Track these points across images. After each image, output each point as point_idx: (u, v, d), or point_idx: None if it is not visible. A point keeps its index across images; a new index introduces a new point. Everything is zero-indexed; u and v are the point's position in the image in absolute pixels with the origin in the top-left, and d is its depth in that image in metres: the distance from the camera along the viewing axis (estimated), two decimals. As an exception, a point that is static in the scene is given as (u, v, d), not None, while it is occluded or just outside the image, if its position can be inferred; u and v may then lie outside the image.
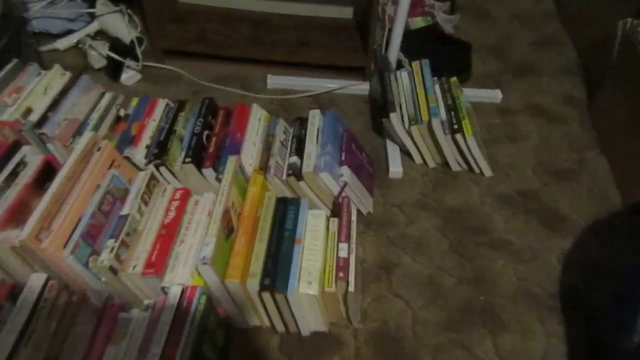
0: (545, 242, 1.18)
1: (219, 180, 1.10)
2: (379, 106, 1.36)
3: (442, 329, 1.01)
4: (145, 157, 1.12)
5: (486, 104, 1.52)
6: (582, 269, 1.13)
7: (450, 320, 1.02)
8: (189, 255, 0.93)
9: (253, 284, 0.89)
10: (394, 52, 1.41)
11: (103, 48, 1.45)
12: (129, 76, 1.47)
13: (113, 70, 1.45)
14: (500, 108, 1.52)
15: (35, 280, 0.83)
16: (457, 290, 1.08)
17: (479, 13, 1.91)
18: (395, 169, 1.29)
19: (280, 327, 0.97)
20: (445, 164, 1.32)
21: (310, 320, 0.96)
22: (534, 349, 0.99)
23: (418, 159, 1.33)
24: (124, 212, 0.96)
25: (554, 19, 1.93)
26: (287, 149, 1.18)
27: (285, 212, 1.01)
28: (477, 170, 1.31)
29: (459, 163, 1.31)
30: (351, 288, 0.91)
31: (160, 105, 1.25)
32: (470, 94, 1.46)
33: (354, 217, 1.03)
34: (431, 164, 1.32)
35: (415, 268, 1.11)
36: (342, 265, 0.94)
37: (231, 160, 1.02)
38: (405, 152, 1.34)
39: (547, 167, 1.35)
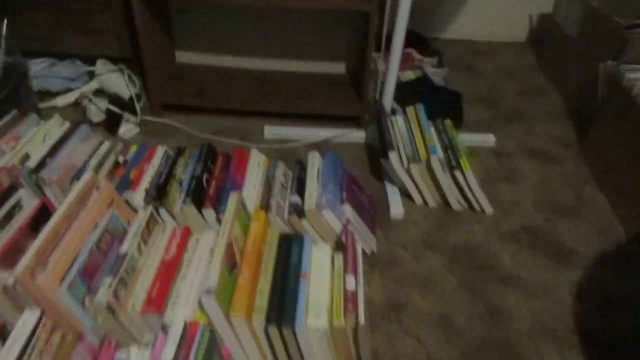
0: (556, 276, 1.15)
1: (219, 221, 1.08)
2: (377, 151, 1.38)
3: (458, 367, 0.95)
4: (144, 201, 1.10)
5: (481, 148, 1.54)
6: (597, 301, 1.09)
7: (466, 358, 0.97)
8: (191, 293, 0.88)
9: (259, 320, 0.84)
10: (388, 100, 1.45)
11: (102, 102, 1.47)
12: (127, 129, 1.48)
13: (111, 124, 1.46)
14: (496, 151, 1.54)
15: (28, 318, 0.77)
16: (471, 327, 1.03)
17: (466, 68, 1.99)
18: (397, 210, 1.27)
19: (287, 369, 0.91)
20: (446, 203, 1.31)
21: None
22: (557, 385, 0.93)
23: (418, 200, 1.32)
24: (123, 251, 0.93)
25: (537, 70, 2.01)
26: (287, 190, 1.17)
27: (289, 247, 0.98)
28: (477, 209, 1.31)
29: (459, 202, 1.30)
30: (362, 321, 0.87)
31: (159, 151, 1.25)
32: (464, 138, 1.49)
33: (359, 251, 1.01)
34: (432, 204, 1.32)
35: (425, 306, 1.06)
36: (350, 299, 0.90)
37: (233, 196, 1.00)
38: (405, 194, 1.33)
39: (547, 204, 1.35)
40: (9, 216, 0.99)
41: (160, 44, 1.57)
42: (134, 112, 1.50)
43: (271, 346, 0.87)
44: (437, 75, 1.75)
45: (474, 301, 1.08)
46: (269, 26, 1.67)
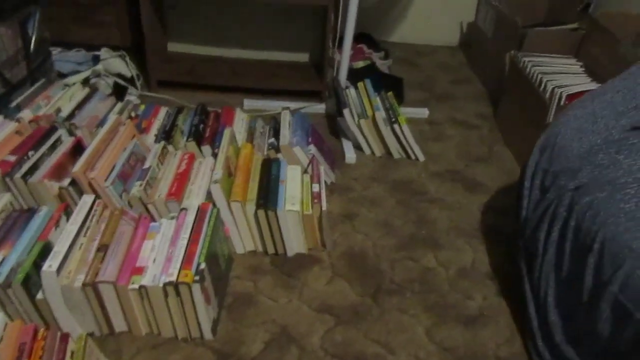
0: (468, 198, 1.53)
1: (214, 155, 1.41)
2: (335, 115, 1.75)
3: (395, 250, 1.30)
4: (155, 142, 1.43)
5: (417, 119, 1.94)
6: (496, 215, 1.47)
7: (401, 244, 1.33)
8: (200, 192, 1.21)
9: (250, 205, 1.18)
10: (343, 78, 1.83)
11: (109, 79, 1.79)
12: (130, 100, 1.79)
13: (118, 96, 1.77)
14: (428, 120, 1.94)
15: (87, 199, 1.08)
16: (405, 227, 1.39)
17: (408, 63, 2.41)
18: (350, 154, 1.64)
19: (270, 249, 1.24)
20: (389, 153, 1.69)
21: (294, 242, 1.24)
22: (465, 259, 1.30)
23: (367, 150, 1.69)
24: (146, 166, 1.25)
25: (466, 66, 2.46)
26: (265, 135, 1.52)
27: (270, 165, 1.32)
28: (413, 157, 1.69)
29: (398, 152, 1.68)
30: (324, 208, 1.22)
31: (163, 110, 1.58)
32: (404, 111, 1.88)
33: (321, 172, 1.36)
34: (377, 154, 1.69)
35: (371, 216, 1.42)
36: (316, 196, 1.25)
37: (227, 130, 1.35)
38: (356, 147, 1.70)
39: (466, 156, 1.74)
40: (54, 147, 1.29)
41: (156, 34, 1.91)
42: (134, 88, 1.82)
43: (258, 226, 1.21)
44: (383, 65, 2.15)
45: (408, 213, 1.44)
46: (245, 21, 2.04)
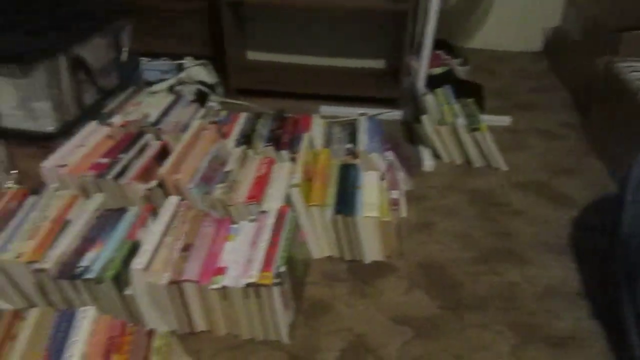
0: (555, 212, 1.44)
1: (292, 159, 1.42)
2: (412, 122, 1.71)
3: (476, 263, 1.25)
4: (235, 146, 1.46)
5: (498, 127, 1.86)
6: (587, 230, 1.37)
7: (482, 258, 1.27)
8: (278, 195, 1.22)
9: (328, 211, 1.17)
10: (421, 84, 1.79)
11: (192, 87, 1.86)
12: (212, 107, 1.85)
13: (200, 103, 1.84)
14: (510, 129, 1.86)
15: (172, 200, 1.12)
16: (486, 240, 1.33)
17: (486, 70, 2.33)
18: (428, 162, 1.60)
19: (347, 255, 1.22)
20: (468, 162, 1.63)
21: (371, 249, 1.22)
22: (554, 277, 1.21)
23: (446, 158, 1.64)
24: (227, 169, 1.28)
25: (549, 74, 2.33)
26: (342, 140, 1.52)
27: (347, 170, 1.31)
28: (494, 166, 1.61)
29: (478, 160, 1.62)
30: (403, 215, 1.19)
31: (242, 116, 1.62)
32: (484, 118, 1.81)
33: (400, 179, 1.33)
34: (456, 162, 1.63)
35: (449, 226, 1.37)
36: (394, 203, 1.22)
37: (306, 135, 1.35)
38: (434, 155, 1.65)
39: (551, 167, 1.65)
40: (141, 150, 1.35)
41: (236, 44, 1.97)
42: (215, 95, 1.88)
43: (336, 232, 1.19)
44: (461, 72, 2.09)
45: (488, 224, 1.38)
46: (321, 30, 2.06)
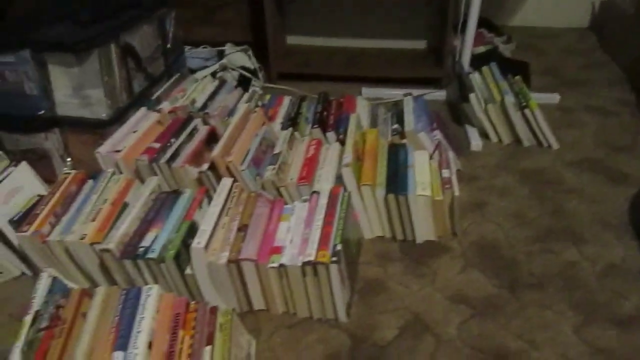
0: (612, 190, 1.39)
1: (339, 141, 1.41)
2: (458, 100, 1.68)
3: (531, 242, 1.22)
4: (281, 129, 1.46)
5: (547, 105, 1.80)
6: (648, 205, 1.32)
7: (537, 236, 1.23)
8: (329, 177, 1.21)
9: (380, 190, 1.16)
10: (466, 61, 1.75)
11: (234, 73, 1.87)
12: (253, 92, 1.86)
13: (243, 88, 1.85)
14: (559, 107, 1.80)
15: (225, 182, 1.13)
16: (540, 219, 1.29)
17: (531, 47, 2.26)
18: (476, 142, 1.56)
19: (399, 235, 1.22)
20: (517, 141, 1.59)
21: (424, 229, 1.20)
22: (615, 255, 1.18)
23: (494, 138, 1.60)
24: (276, 151, 1.28)
25: (598, 50, 2.25)
26: (388, 122, 1.50)
27: (397, 150, 1.30)
28: (545, 144, 1.57)
29: (529, 139, 1.57)
30: (457, 193, 1.17)
31: (286, 99, 1.62)
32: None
33: (450, 157, 1.31)
34: (505, 141, 1.59)
35: (502, 205, 1.34)
36: (446, 182, 1.20)
37: (353, 116, 1.34)
38: (482, 134, 1.61)
39: (606, 144, 1.59)
40: (191, 135, 1.37)
41: (277, 29, 1.96)
42: (257, 80, 1.89)
43: (388, 211, 1.18)
44: (506, 50, 2.03)
45: (542, 204, 1.34)
46: (360, 11, 2.03)
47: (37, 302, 0.86)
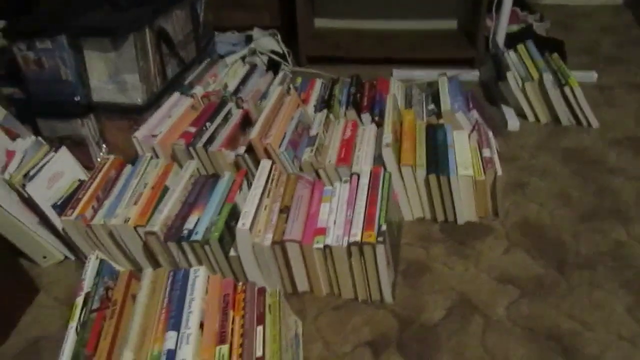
0: (658, 167, 1.35)
1: (374, 122, 1.39)
2: (493, 80, 1.64)
3: (577, 222, 1.19)
4: (314, 112, 1.45)
5: (584, 83, 1.75)
6: (697, 183, 1.28)
7: (583, 216, 1.20)
8: (367, 158, 1.20)
9: (421, 171, 1.14)
10: (501, 39, 1.71)
11: (264, 57, 1.86)
12: (283, 75, 1.85)
13: (273, 72, 1.84)
14: (597, 85, 1.75)
15: (265, 164, 1.12)
16: (584, 199, 1.26)
17: (565, 26, 2.20)
18: (513, 122, 1.53)
19: (440, 216, 1.19)
20: (555, 120, 1.55)
21: (465, 209, 1.18)
22: (663, 234, 1.14)
23: (531, 117, 1.56)
24: (313, 133, 1.27)
25: (635, 27, 2.17)
26: (423, 102, 1.47)
27: (435, 130, 1.27)
28: (584, 124, 1.53)
29: (567, 118, 1.53)
30: (499, 173, 1.14)
31: (318, 82, 1.60)
32: (568, 75, 1.71)
33: (490, 134, 1.28)
34: (543, 121, 1.55)
35: (544, 186, 1.31)
36: (488, 161, 1.17)
37: (390, 96, 1.32)
38: (519, 114, 1.58)
39: (649, 121, 1.54)
40: (226, 119, 1.36)
41: (306, 13, 1.94)
42: (286, 64, 1.87)
43: (428, 192, 1.16)
44: (540, 28, 1.98)
45: (586, 184, 1.31)
46: (390, -6, 2.00)
47: (86, 284, 0.87)
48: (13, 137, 1.19)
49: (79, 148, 1.40)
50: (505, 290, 1.02)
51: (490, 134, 1.36)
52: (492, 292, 1.02)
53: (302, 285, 1.03)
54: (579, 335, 0.92)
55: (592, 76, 1.77)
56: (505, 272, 1.06)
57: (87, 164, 1.39)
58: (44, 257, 1.15)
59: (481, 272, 1.07)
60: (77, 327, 0.79)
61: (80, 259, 1.16)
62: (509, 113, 1.57)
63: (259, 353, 0.78)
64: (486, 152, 1.21)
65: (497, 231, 1.17)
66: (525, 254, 1.11)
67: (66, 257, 1.18)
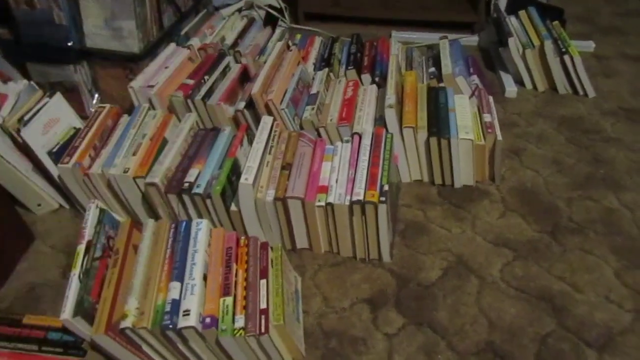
0: (651, 139, 1.37)
1: (375, 83, 1.38)
2: (494, 45, 1.63)
3: (570, 189, 1.21)
4: (314, 70, 1.43)
5: (581, 52, 1.74)
6: (687, 156, 1.31)
7: (576, 183, 1.23)
8: (368, 118, 1.19)
9: (422, 132, 1.14)
10: (503, 3, 1.69)
11: (260, 11, 1.81)
12: (281, 31, 1.80)
13: (269, 26, 1.79)
14: (594, 55, 1.75)
15: (266, 120, 1.10)
16: (578, 166, 1.28)
17: (563, -6, 2.18)
18: (510, 88, 1.53)
19: (437, 179, 1.20)
20: (553, 88, 1.55)
21: (463, 173, 1.19)
22: (652, 203, 1.17)
23: (529, 85, 1.56)
24: (314, 91, 1.25)
25: (633, -3, 2.17)
26: (423, 65, 1.46)
27: (437, 93, 1.27)
28: (581, 93, 1.53)
29: (565, 86, 1.54)
30: (500, 138, 1.15)
31: (317, 40, 1.57)
32: (567, 43, 1.70)
33: (490, 100, 1.28)
34: (540, 88, 1.56)
35: (539, 152, 1.32)
36: (489, 126, 1.18)
37: (393, 57, 1.30)
38: (517, 81, 1.57)
39: (643, 93, 1.56)
40: (224, 73, 1.33)
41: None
42: (283, 20, 1.83)
43: (428, 155, 1.17)
44: (540, -6, 1.96)
45: (580, 151, 1.33)
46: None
47: (87, 232, 0.86)
48: (4, 79, 1.14)
49: (71, 95, 1.35)
50: (500, 253, 1.05)
51: (491, 99, 1.36)
52: (487, 254, 1.04)
53: (302, 242, 1.04)
54: (569, 297, 0.96)
55: (590, 45, 1.77)
56: (500, 235, 1.09)
57: (80, 111, 1.35)
58: (39, 205, 1.13)
59: (477, 234, 1.09)
60: (79, 274, 0.79)
61: (76, 208, 1.14)
62: (506, 80, 1.57)
63: (263, 305, 0.79)
64: (487, 117, 1.21)
65: (493, 195, 1.19)
66: (520, 218, 1.13)
67: (61, 206, 1.16)
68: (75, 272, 0.79)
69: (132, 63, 1.30)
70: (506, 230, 1.10)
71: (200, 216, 1.01)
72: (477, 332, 0.90)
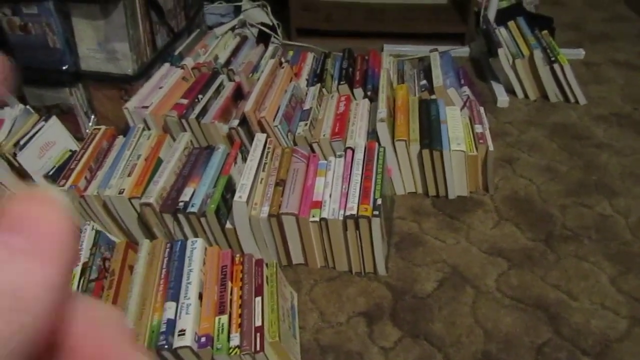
0: (642, 144, 1.38)
1: (367, 97, 1.39)
2: (484, 56, 1.65)
3: (564, 196, 1.22)
4: (307, 86, 1.44)
5: (572, 60, 1.76)
6: (679, 160, 1.32)
7: (569, 190, 1.23)
8: (361, 132, 1.20)
9: (415, 145, 1.16)
10: (492, 15, 1.71)
11: (253, 29, 1.83)
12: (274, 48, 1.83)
13: (262, 43, 1.81)
14: (584, 62, 1.77)
15: (260, 137, 1.12)
16: (571, 173, 1.29)
17: (553, 2, 2.20)
18: (502, 98, 1.54)
19: (431, 190, 1.21)
20: (544, 97, 1.57)
21: (457, 184, 1.20)
22: (646, 209, 1.18)
23: (520, 94, 1.58)
24: (306, 107, 1.27)
25: (621, 3, 2.19)
26: (414, 78, 1.47)
27: (428, 105, 1.28)
28: (572, 100, 1.55)
29: (556, 94, 1.55)
30: (491, 148, 1.16)
31: (310, 56, 1.58)
32: (557, 51, 1.72)
33: (482, 111, 1.29)
34: (532, 97, 1.57)
35: (532, 160, 1.34)
36: (480, 137, 1.19)
37: (384, 71, 1.32)
38: (508, 91, 1.59)
39: (634, 99, 1.57)
40: (218, 91, 1.35)
41: (294, -17, 1.91)
42: (276, 36, 1.85)
43: (421, 167, 1.18)
44: (530, 5, 1.98)
45: (573, 158, 1.34)
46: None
47: (83, 254, 0.87)
48: (1, 104, 1.16)
49: (67, 117, 1.37)
50: (495, 263, 1.05)
51: (482, 110, 1.38)
52: (482, 264, 1.05)
53: (297, 257, 1.04)
54: (565, 305, 0.96)
55: (580, 53, 1.79)
56: (494, 245, 1.09)
57: (76, 133, 1.36)
58: (36, 229, 1.14)
59: (471, 245, 1.09)
60: (76, 297, 0.80)
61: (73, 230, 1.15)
62: (498, 89, 1.58)
63: (258, 323, 0.80)
64: (478, 128, 1.22)
65: (487, 205, 1.20)
66: (514, 227, 1.14)
67: (58, 229, 1.17)
68: (72, 295, 0.80)
69: (126, 84, 1.32)
70: (501, 240, 1.10)
71: (196, 235, 1.01)
72: (473, 343, 0.90)
